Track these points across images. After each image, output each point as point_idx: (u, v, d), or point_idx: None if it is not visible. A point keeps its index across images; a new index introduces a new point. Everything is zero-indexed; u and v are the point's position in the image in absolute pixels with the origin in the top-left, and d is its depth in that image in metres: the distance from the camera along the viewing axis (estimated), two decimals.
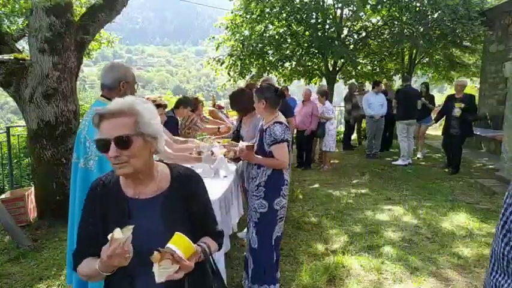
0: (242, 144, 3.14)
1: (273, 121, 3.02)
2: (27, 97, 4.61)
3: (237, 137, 4.08)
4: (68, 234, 2.34)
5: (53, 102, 4.63)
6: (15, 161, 6.34)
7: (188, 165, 3.41)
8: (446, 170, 7.62)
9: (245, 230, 4.25)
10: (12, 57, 4.52)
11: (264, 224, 3.04)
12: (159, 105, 3.75)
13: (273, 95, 3.05)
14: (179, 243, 1.28)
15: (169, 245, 1.27)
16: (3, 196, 4.98)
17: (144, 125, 1.35)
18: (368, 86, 11.95)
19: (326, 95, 7.89)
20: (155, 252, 1.24)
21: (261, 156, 3.02)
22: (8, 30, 4.97)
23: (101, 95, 2.32)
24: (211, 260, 1.55)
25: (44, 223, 4.74)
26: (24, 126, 5.55)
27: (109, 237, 1.22)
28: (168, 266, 1.25)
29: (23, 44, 5.91)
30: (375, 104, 8.78)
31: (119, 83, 2.25)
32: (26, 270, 3.67)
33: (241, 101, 3.89)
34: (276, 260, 3.13)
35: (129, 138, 1.32)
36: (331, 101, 9.50)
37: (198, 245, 1.42)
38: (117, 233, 1.21)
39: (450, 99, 7.29)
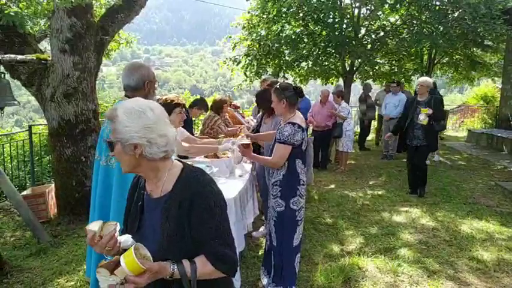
0: (239, 142, 3.27)
1: (287, 121, 3.01)
2: (48, 96, 4.73)
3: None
4: None
5: (73, 101, 4.74)
6: (37, 158, 6.51)
7: (204, 164, 3.44)
8: (413, 193, 6.04)
9: (261, 228, 4.27)
10: (34, 58, 4.64)
11: (282, 223, 3.03)
12: (177, 105, 3.74)
13: (293, 93, 3.02)
14: (127, 256, 1.25)
15: (122, 256, 1.26)
16: (24, 193, 5.11)
17: (119, 132, 1.35)
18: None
19: (342, 95, 7.89)
20: (103, 260, 1.35)
21: (255, 154, 3.18)
22: (30, 31, 5.09)
23: (125, 95, 2.35)
24: (187, 284, 1.34)
25: (63, 219, 4.85)
26: (45, 124, 5.69)
27: (86, 227, 1.36)
28: (106, 276, 1.28)
29: (44, 45, 6.05)
30: (389, 104, 8.71)
31: (143, 83, 2.28)
32: (46, 265, 3.77)
33: (267, 99, 3.76)
34: (296, 262, 3.10)
35: (111, 143, 1.40)
36: (347, 101, 9.42)
37: (171, 263, 1.33)
38: (93, 225, 1.34)
39: (413, 103, 5.80)
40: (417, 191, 5.96)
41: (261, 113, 4.25)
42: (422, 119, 5.41)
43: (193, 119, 5.23)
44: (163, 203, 1.41)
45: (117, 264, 1.26)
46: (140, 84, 2.28)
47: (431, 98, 5.61)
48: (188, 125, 4.85)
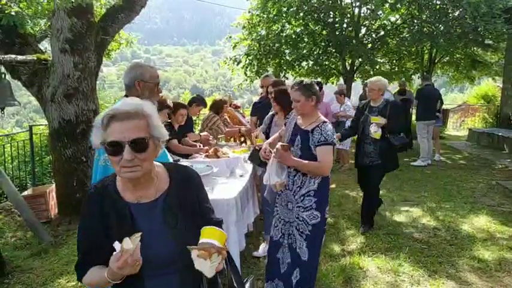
0: (278, 144, 2.78)
1: (322, 120, 2.75)
2: (49, 96, 4.73)
3: (266, 138, 3.71)
4: None
5: (74, 101, 4.74)
6: (37, 158, 6.50)
7: (204, 164, 3.44)
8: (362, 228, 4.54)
9: (261, 247, 3.98)
10: (35, 58, 4.64)
11: (316, 235, 2.78)
12: (167, 106, 3.81)
13: (318, 90, 2.81)
14: (213, 235, 1.30)
15: (205, 239, 1.28)
16: (25, 193, 5.12)
17: (154, 127, 1.34)
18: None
19: (344, 93, 7.97)
20: (200, 251, 1.24)
21: (297, 159, 2.71)
22: (31, 31, 5.10)
23: (124, 95, 2.36)
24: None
25: (64, 220, 4.85)
26: (46, 125, 5.69)
27: (117, 247, 1.21)
28: (216, 260, 1.25)
29: (45, 45, 6.05)
30: None
31: (134, 81, 2.29)
32: (46, 265, 3.77)
33: (286, 99, 3.39)
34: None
35: (146, 141, 1.30)
36: None
37: None
38: (127, 244, 1.19)
39: (363, 109, 4.48)
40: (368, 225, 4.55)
41: (269, 114, 3.96)
42: (374, 131, 4.12)
43: (193, 118, 5.23)
44: (162, 202, 1.40)
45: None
46: (131, 83, 2.29)
47: (387, 103, 4.31)
48: (188, 124, 4.86)
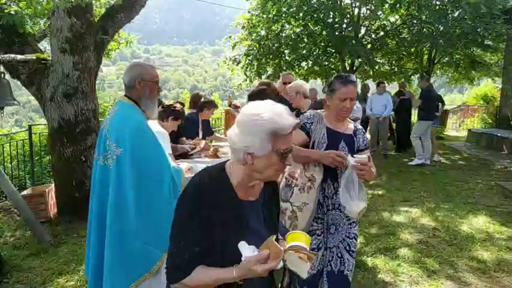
0: (360, 157, 2.18)
1: (350, 121, 2.47)
2: (48, 96, 4.72)
3: None
4: (87, 230, 2.39)
5: (73, 101, 4.74)
6: (37, 158, 6.50)
7: (204, 164, 3.44)
8: None
9: None
10: (34, 57, 4.63)
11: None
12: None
13: None
14: (300, 239, 1.34)
15: (296, 243, 1.32)
16: (24, 192, 5.11)
17: None
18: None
19: None
20: (300, 253, 1.29)
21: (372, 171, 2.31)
22: (30, 30, 5.09)
23: (124, 95, 2.36)
24: None
25: (63, 219, 4.84)
26: (45, 124, 5.69)
27: (244, 247, 1.26)
28: (306, 263, 1.31)
29: (44, 44, 6.04)
30: (377, 104, 8.87)
31: (134, 81, 2.29)
32: (46, 264, 3.77)
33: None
34: None
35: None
36: None
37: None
38: (276, 248, 1.24)
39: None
40: None
41: None
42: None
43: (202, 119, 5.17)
44: (263, 202, 1.48)
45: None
46: (132, 82, 2.29)
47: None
48: (205, 126, 4.93)
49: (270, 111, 1.32)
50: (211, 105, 4.97)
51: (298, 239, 1.34)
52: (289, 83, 4.24)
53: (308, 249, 1.33)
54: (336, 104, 2.29)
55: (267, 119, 1.29)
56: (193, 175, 1.52)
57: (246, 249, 1.25)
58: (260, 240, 1.31)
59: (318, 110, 2.47)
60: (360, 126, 2.49)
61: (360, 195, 2.20)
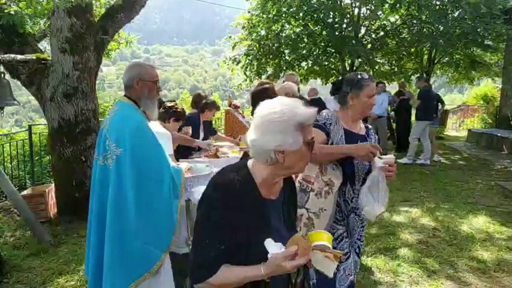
0: (387, 157, 2.10)
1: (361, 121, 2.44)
2: (48, 96, 4.72)
3: None
4: (87, 230, 2.39)
5: (73, 101, 4.74)
6: (37, 158, 6.50)
7: (204, 164, 3.44)
8: None
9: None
10: (34, 57, 4.63)
11: None
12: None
13: None
14: (323, 238, 1.34)
15: (321, 242, 1.32)
16: (24, 192, 5.11)
17: None
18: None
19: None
20: (327, 253, 1.29)
21: None
22: (30, 30, 5.09)
23: (124, 95, 2.36)
24: None
25: (63, 219, 4.84)
26: (45, 124, 5.69)
27: (270, 245, 1.25)
28: (333, 262, 1.31)
29: (44, 44, 6.04)
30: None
31: (132, 81, 2.29)
32: (46, 264, 3.77)
33: (266, 100, 3.43)
34: None
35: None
36: None
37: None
38: (304, 243, 1.26)
39: None
40: None
41: None
42: None
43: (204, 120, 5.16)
44: (283, 200, 1.48)
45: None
46: (130, 82, 2.29)
47: None
48: (206, 127, 4.93)
49: (288, 105, 1.33)
50: (213, 106, 4.96)
51: (322, 238, 1.33)
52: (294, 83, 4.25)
53: (331, 248, 1.32)
54: (364, 102, 2.23)
55: (291, 114, 1.30)
56: (192, 175, 1.52)
57: (273, 246, 1.24)
58: (281, 239, 1.31)
59: (331, 110, 2.42)
60: (368, 125, 2.47)
61: (383, 199, 2.10)
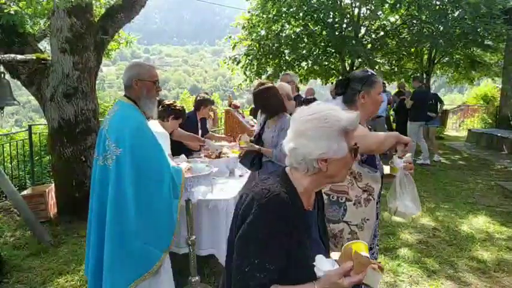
0: (408, 156, 2.01)
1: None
2: (48, 96, 4.72)
3: (257, 142, 3.44)
4: (87, 230, 2.39)
5: (73, 101, 4.74)
6: (37, 158, 6.50)
7: (204, 164, 3.44)
8: None
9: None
10: (34, 57, 4.63)
11: None
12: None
13: None
14: (361, 248, 1.25)
15: (363, 253, 1.23)
16: (24, 192, 5.11)
17: None
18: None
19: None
20: (375, 265, 1.20)
21: None
22: (30, 30, 5.09)
23: (124, 95, 2.36)
24: None
25: (63, 219, 4.84)
26: (45, 124, 5.69)
27: (322, 261, 1.19)
28: (378, 274, 1.22)
29: (44, 44, 6.04)
30: None
31: (131, 80, 2.30)
32: (46, 264, 3.77)
33: (269, 99, 3.31)
34: None
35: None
36: None
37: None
38: (362, 259, 1.17)
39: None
40: None
41: (264, 116, 3.57)
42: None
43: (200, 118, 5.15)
44: (317, 211, 1.43)
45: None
46: (129, 82, 2.30)
47: None
48: (203, 124, 4.89)
49: (329, 110, 1.27)
50: (208, 102, 4.98)
51: (361, 249, 1.24)
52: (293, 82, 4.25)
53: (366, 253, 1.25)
54: (376, 99, 2.08)
55: (334, 119, 1.24)
56: (192, 175, 1.50)
57: (325, 263, 1.18)
58: (322, 252, 1.25)
59: None
60: (369, 126, 2.35)
61: (416, 199, 2.06)
